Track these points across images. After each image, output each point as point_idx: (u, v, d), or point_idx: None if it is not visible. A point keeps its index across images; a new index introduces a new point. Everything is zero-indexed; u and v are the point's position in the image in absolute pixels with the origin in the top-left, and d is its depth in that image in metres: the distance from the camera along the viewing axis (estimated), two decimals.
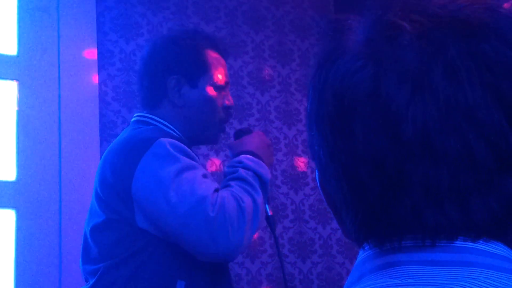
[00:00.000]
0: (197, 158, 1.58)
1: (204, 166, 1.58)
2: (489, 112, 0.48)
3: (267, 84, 2.79)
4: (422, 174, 0.48)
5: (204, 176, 1.52)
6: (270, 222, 1.71)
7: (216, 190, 1.51)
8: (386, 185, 0.50)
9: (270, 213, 1.71)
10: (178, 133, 1.65)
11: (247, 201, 1.52)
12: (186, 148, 1.55)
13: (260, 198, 1.56)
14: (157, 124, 1.65)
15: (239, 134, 1.78)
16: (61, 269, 2.22)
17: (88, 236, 1.59)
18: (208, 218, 1.44)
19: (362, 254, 0.54)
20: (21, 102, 2.35)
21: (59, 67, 2.41)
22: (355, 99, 0.51)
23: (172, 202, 1.46)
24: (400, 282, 0.48)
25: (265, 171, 1.62)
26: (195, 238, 1.46)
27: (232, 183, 1.57)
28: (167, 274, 1.52)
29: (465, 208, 0.48)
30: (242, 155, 1.64)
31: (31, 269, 2.21)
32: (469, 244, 0.49)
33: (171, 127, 1.65)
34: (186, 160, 1.50)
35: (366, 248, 0.53)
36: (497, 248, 0.49)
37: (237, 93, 2.73)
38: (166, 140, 1.51)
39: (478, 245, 0.49)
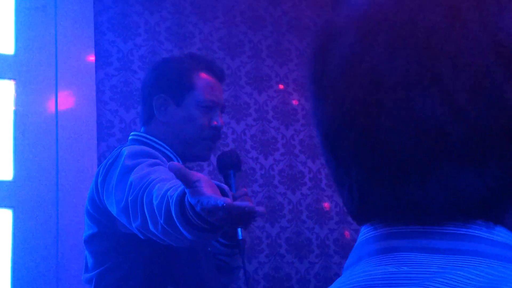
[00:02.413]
0: (156, 154, 1.58)
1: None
2: (417, 87, 0.46)
3: (264, 84, 2.79)
4: (363, 155, 0.48)
5: (152, 165, 1.48)
6: (240, 246, 1.65)
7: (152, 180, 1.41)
8: (340, 164, 0.51)
9: (241, 237, 1.66)
10: (171, 150, 1.71)
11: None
12: (143, 149, 1.59)
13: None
14: (150, 142, 1.71)
15: (223, 160, 1.73)
16: (58, 268, 2.22)
17: (84, 247, 1.69)
18: (127, 201, 1.43)
19: (362, 236, 0.54)
20: (18, 101, 2.35)
21: (56, 66, 2.40)
22: (312, 83, 0.52)
23: (116, 204, 1.48)
24: (396, 270, 0.48)
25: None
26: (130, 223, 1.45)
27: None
28: (157, 280, 1.59)
29: (402, 194, 0.47)
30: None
31: (28, 269, 2.20)
32: (468, 231, 0.47)
33: (162, 144, 1.71)
34: (132, 162, 1.50)
35: (366, 229, 0.53)
36: (499, 234, 0.48)
37: (235, 92, 2.73)
38: (126, 148, 1.59)
39: (477, 232, 0.47)
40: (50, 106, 2.37)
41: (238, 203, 1.27)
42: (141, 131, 1.78)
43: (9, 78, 2.37)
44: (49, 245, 2.24)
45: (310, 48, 0.54)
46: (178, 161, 1.68)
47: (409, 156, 0.46)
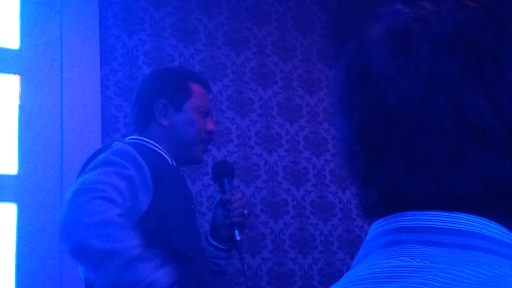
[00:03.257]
0: (142, 163, 1.66)
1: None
2: (466, 86, 0.50)
3: (269, 80, 2.79)
4: (402, 144, 0.52)
5: (116, 174, 1.60)
6: (238, 247, 1.85)
7: (100, 195, 1.54)
8: (372, 154, 0.54)
9: (238, 238, 1.85)
10: (166, 152, 1.82)
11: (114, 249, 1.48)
12: (130, 150, 1.67)
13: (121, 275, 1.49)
14: (147, 144, 1.82)
15: (217, 169, 1.94)
16: (62, 262, 2.22)
17: None
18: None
19: (370, 233, 0.56)
20: (23, 96, 2.35)
21: (61, 61, 2.41)
22: (352, 80, 0.56)
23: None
24: (400, 263, 0.49)
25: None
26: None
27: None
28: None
29: (440, 180, 0.51)
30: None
31: (32, 263, 2.21)
32: (473, 229, 0.50)
33: (159, 146, 1.82)
34: (113, 158, 1.64)
35: (375, 226, 0.56)
36: (501, 234, 0.50)
37: (239, 88, 2.72)
38: (115, 143, 1.72)
39: (481, 230, 0.50)
40: (55, 100, 2.37)
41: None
42: (136, 135, 1.87)
43: (14, 73, 2.37)
44: (53, 239, 2.24)
45: (347, 52, 0.58)
46: (173, 163, 1.82)
47: (450, 147, 0.50)
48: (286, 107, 2.80)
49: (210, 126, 1.88)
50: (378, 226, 0.55)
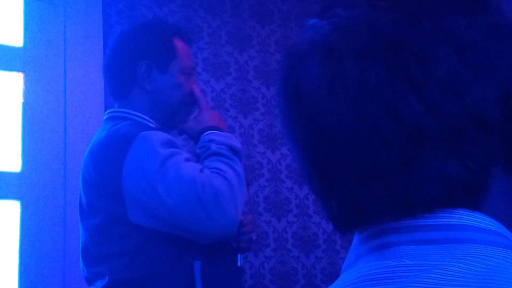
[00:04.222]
0: (177, 143, 1.61)
1: (187, 150, 1.65)
2: (395, 90, 0.49)
3: (272, 78, 2.79)
4: (349, 160, 0.51)
5: (187, 159, 1.54)
6: (240, 272, 1.77)
7: (201, 171, 1.52)
8: (323, 173, 0.53)
9: (239, 264, 1.77)
10: (153, 122, 1.68)
11: (230, 173, 1.54)
12: (166, 136, 1.58)
13: (239, 168, 1.59)
14: (132, 117, 1.66)
15: None
16: (65, 260, 2.22)
17: (87, 237, 1.60)
18: (200, 199, 1.47)
19: (355, 238, 0.56)
20: (27, 93, 2.36)
21: (65, 59, 2.41)
22: (289, 103, 0.56)
23: (161, 194, 1.48)
24: (397, 263, 0.49)
25: (235, 142, 1.66)
26: (192, 222, 1.48)
27: (210, 160, 1.58)
28: (183, 258, 1.55)
29: (393, 189, 0.50)
30: (208, 133, 1.66)
31: (35, 260, 2.21)
32: (459, 221, 0.49)
33: (145, 117, 1.67)
34: (168, 150, 1.53)
35: (358, 233, 0.55)
36: (487, 223, 0.50)
37: (243, 87, 2.73)
38: (146, 134, 1.54)
39: (468, 221, 0.49)
40: (59, 98, 2.37)
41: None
42: (117, 107, 1.72)
43: (18, 71, 2.37)
44: (57, 236, 2.25)
45: (280, 71, 0.58)
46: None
47: (395, 153, 0.49)
48: None
49: (196, 87, 1.75)
50: (361, 232, 0.55)
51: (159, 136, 1.55)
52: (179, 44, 1.73)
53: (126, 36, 1.73)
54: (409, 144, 0.49)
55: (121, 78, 1.70)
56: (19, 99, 2.35)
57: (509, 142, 0.50)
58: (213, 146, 1.60)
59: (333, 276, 2.66)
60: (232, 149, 1.62)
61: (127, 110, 1.68)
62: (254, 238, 1.78)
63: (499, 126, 0.50)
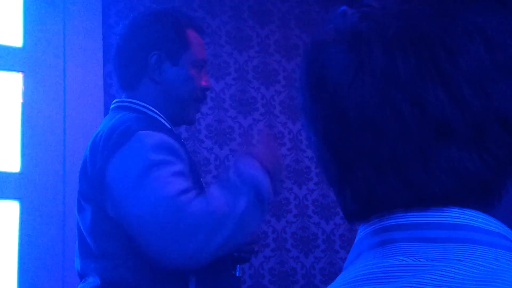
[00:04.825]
0: (177, 147, 1.51)
1: (186, 159, 1.56)
2: (423, 83, 0.49)
3: (272, 78, 2.79)
4: (368, 149, 0.51)
5: (176, 173, 1.44)
6: (238, 283, 1.70)
7: (185, 191, 1.41)
8: (341, 161, 0.53)
9: (238, 274, 1.70)
10: (161, 115, 1.62)
11: (221, 203, 1.40)
12: (164, 139, 1.49)
13: (245, 202, 1.42)
14: (140, 108, 1.61)
15: None
16: (64, 260, 2.23)
17: (84, 231, 1.57)
18: (162, 223, 1.38)
19: (360, 233, 0.56)
20: (26, 94, 2.36)
21: (64, 59, 2.41)
22: (311, 89, 0.56)
23: (132, 200, 1.42)
24: (396, 263, 0.49)
25: (264, 180, 1.47)
26: (147, 241, 1.41)
27: (216, 185, 1.48)
28: (177, 272, 1.49)
29: (409, 181, 0.50)
30: (240, 161, 1.53)
31: (34, 260, 2.21)
32: (465, 221, 0.49)
33: (153, 109, 1.62)
34: (159, 156, 1.45)
35: (363, 227, 0.55)
36: (492, 225, 0.50)
37: (242, 87, 2.73)
38: (144, 134, 1.48)
39: (473, 222, 0.49)
40: (58, 98, 2.37)
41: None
42: (124, 97, 1.67)
43: (18, 71, 2.37)
44: (56, 236, 2.25)
45: (304, 55, 0.58)
46: (168, 126, 1.63)
47: (415, 144, 0.49)
48: (289, 105, 2.80)
49: (207, 81, 1.68)
50: (366, 226, 0.54)
51: (156, 138, 1.48)
52: (192, 34, 1.67)
53: (137, 24, 1.66)
54: (431, 136, 0.49)
55: (130, 68, 1.64)
56: (19, 99, 2.35)
57: None
58: (231, 173, 1.48)
59: (332, 276, 2.66)
60: (254, 183, 1.45)
61: (135, 101, 1.63)
62: (256, 249, 1.74)
63: None
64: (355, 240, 0.56)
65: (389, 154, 0.50)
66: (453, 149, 0.49)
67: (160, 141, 1.48)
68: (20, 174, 2.29)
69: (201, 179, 1.68)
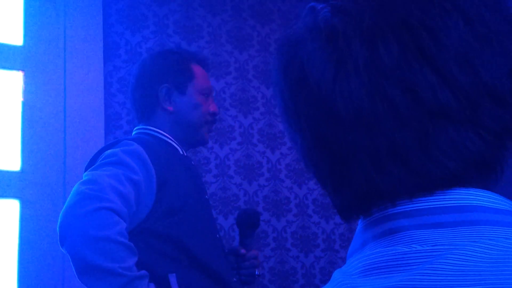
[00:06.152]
0: (149, 163, 1.63)
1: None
2: (410, 68, 0.49)
3: (271, 79, 2.79)
4: (363, 143, 0.50)
5: (116, 189, 1.53)
6: (255, 280, 1.82)
7: (101, 209, 1.49)
8: (334, 159, 0.52)
9: (257, 272, 1.82)
10: (174, 140, 1.80)
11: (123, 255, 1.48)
12: (137, 153, 1.62)
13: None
14: (155, 134, 1.80)
15: (244, 218, 1.85)
16: (64, 259, 2.22)
17: None
18: (69, 205, 1.52)
19: (361, 224, 0.55)
20: (27, 92, 2.35)
21: (64, 58, 2.41)
22: (292, 89, 0.54)
23: (79, 183, 1.57)
24: (407, 249, 0.48)
25: None
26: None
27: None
28: (158, 268, 1.59)
29: (410, 167, 0.49)
30: None
31: (34, 259, 2.21)
32: (470, 202, 0.48)
33: (167, 135, 1.80)
34: (122, 163, 1.59)
35: (363, 218, 0.54)
36: (499, 202, 0.49)
37: (243, 86, 2.72)
38: (127, 142, 1.66)
39: (479, 201, 0.49)
40: (58, 97, 2.37)
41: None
42: (141, 126, 1.84)
43: (18, 69, 2.37)
44: (56, 235, 2.24)
45: (277, 60, 0.57)
46: (183, 153, 1.81)
47: (412, 130, 0.49)
48: None
49: (214, 107, 1.86)
50: (368, 216, 0.53)
51: (131, 149, 1.63)
52: (195, 67, 1.86)
53: (146, 63, 1.86)
54: (426, 120, 0.48)
55: (144, 101, 1.83)
56: (19, 98, 2.35)
57: None
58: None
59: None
60: None
61: (149, 127, 1.82)
62: (257, 273, 1.81)
63: (511, 100, 0.50)
64: (357, 230, 0.55)
65: (386, 145, 0.49)
66: (450, 130, 0.48)
67: (135, 150, 1.63)
68: (20, 173, 2.28)
69: (206, 196, 1.81)
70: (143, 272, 1.50)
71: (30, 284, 2.20)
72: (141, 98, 1.84)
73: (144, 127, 1.83)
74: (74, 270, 1.49)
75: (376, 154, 0.49)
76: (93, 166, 1.63)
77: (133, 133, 1.85)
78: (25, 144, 2.30)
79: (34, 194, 2.26)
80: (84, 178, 1.57)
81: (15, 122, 2.33)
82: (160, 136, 1.79)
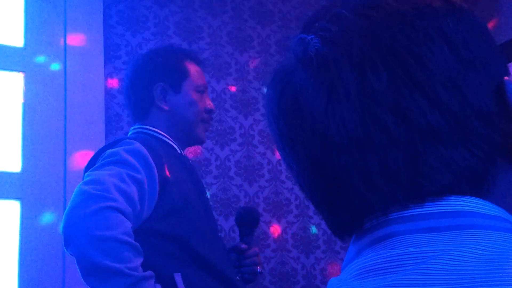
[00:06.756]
0: (150, 161, 1.61)
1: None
2: (399, 92, 0.51)
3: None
4: (355, 164, 0.52)
5: (120, 188, 1.51)
6: (257, 277, 1.82)
7: (107, 208, 1.47)
8: (329, 182, 0.54)
9: (259, 270, 1.81)
10: (170, 139, 1.79)
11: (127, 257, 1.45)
12: (139, 153, 1.60)
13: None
14: (151, 132, 1.78)
15: (244, 217, 1.83)
16: (64, 260, 2.22)
17: None
18: (72, 206, 1.48)
19: (355, 236, 0.56)
20: (27, 93, 2.36)
21: (65, 59, 2.41)
22: (287, 117, 0.56)
23: (83, 182, 1.54)
24: (401, 252, 0.49)
25: None
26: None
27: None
28: (163, 268, 1.58)
29: (401, 186, 0.51)
30: None
31: (34, 260, 2.21)
32: (463, 208, 0.50)
33: (164, 134, 1.79)
34: (123, 162, 1.57)
35: (356, 232, 0.56)
36: (490, 209, 0.50)
37: (243, 87, 2.73)
38: (129, 142, 1.64)
39: (471, 207, 0.50)
40: (59, 98, 2.37)
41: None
42: (138, 125, 1.83)
43: (18, 71, 2.37)
44: (57, 236, 2.25)
45: (271, 91, 0.59)
46: (181, 153, 1.80)
47: (403, 151, 0.51)
48: None
49: (210, 104, 1.85)
50: (361, 229, 0.55)
51: (133, 148, 1.61)
52: (189, 65, 1.84)
53: (140, 62, 1.85)
54: (418, 141, 0.50)
55: (139, 101, 1.82)
56: (20, 99, 2.35)
57: (505, 134, 0.52)
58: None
59: (333, 276, 2.65)
60: None
61: (146, 126, 1.80)
62: (259, 270, 1.80)
63: (497, 118, 0.52)
64: (351, 241, 0.56)
65: (378, 165, 0.51)
66: (441, 149, 0.50)
67: (137, 149, 1.61)
68: (20, 174, 2.28)
69: (205, 195, 1.80)
70: (149, 272, 1.48)
71: (30, 285, 2.20)
72: (136, 97, 1.82)
73: (141, 126, 1.81)
74: (79, 271, 1.46)
75: (368, 174, 0.51)
76: (94, 166, 1.60)
77: (130, 132, 1.84)
78: (26, 145, 2.30)
79: (35, 195, 2.27)
80: (86, 178, 1.55)
81: (15, 123, 2.33)
82: (157, 135, 1.78)
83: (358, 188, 0.52)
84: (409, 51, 0.51)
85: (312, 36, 0.56)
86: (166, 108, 1.79)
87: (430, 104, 0.50)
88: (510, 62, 2.76)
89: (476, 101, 0.51)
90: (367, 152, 0.51)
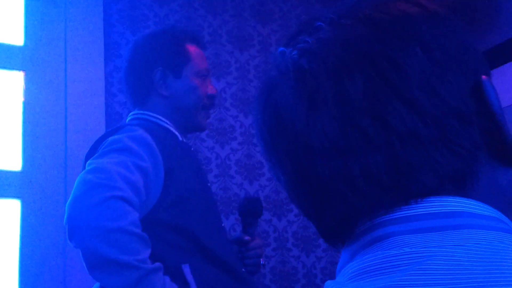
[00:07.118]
0: (154, 146, 1.56)
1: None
2: (376, 97, 0.51)
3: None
4: (338, 170, 0.52)
5: (123, 175, 1.46)
6: (260, 269, 1.79)
7: (113, 198, 1.42)
8: (315, 190, 0.55)
9: (262, 262, 1.78)
10: (171, 125, 1.72)
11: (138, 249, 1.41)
12: (142, 139, 1.56)
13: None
14: (153, 119, 1.72)
15: (248, 207, 1.78)
16: (65, 258, 2.22)
17: None
18: (76, 195, 1.44)
19: (348, 240, 0.56)
20: (28, 92, 2.36)
21: (65, 57, 2.41)
22: (270, 129, 0.58)
23: (87, 166, 1.49)
24: (397, 252, 0.49)
25: None
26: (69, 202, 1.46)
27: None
28: (170, 260, 1.53)
29: (384, 186, 0.51)
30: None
31: (35, 259, 2.21)
32: (456, 208, 0.50)
33: (163, 119, 1.72)
34: (126, 150, 1.52)
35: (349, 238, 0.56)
36: (483, 209, 0.51)
37: (243, 86, 2.72)
38: (131, 128, 1.59)
39: (464, 207, 0.50)
40: (59, 97, 2.37)
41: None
42: (137, 110, 1.76)
43: (19, 69, 2.37)
44: (57, 235, 2.25)
45: (256, 104, 0.60)
46: (182, 140, 1.73)
47: (385, 156, 0.51)
48: None
49: (212, 89, 1.77)
50: (353, 234, 0.55)
51: (137, 135, 1.56)
52: (191, 48, 1.77)
53: (139, 45, 1.77)
54: (398, 144, 0.51)
55: (138, 86, 1.75)
56: (20, 98, 2.35)
57: (486, 132, 0.53)
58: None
59: (334, 275, 2.65)
60: None
61: (146, 112, 1.73)
62: (262, 262, 1.76)
63: (477, 117, 0.52)
64: (345, 246, 0.56)
65: (360, 169, 0.52)
66: (422, 150, 0.51)
67: (141, 136, 1.56)
68: (21, 172, 2.28)
69: (208, 184, 1.76)
70: (157, 264, 1.42)
71: (31, 284, 2.20)
72: (135, 83, 1.75)
73: (141, 112, 1.75)
74: (85, 265, 1.39)
75: (352, 180, 0.52)
76: (96, 154, 1.53)
77: (129, 118, 1.77)
78: (26, 144, 2.30)
79: (35, 194, 2.27)
80: (88, 167, 1.48)
81: (16, 122, 2.33)
82: (158, 121, 1.71)
83: (344, 194, 0.53)
84: (384, 56, 0.52)
85: (290, 49, 0.57)
86: (166, 93, 1.72)
87: (407, 107, 0.51)
88: (510, 61, 2.74)
89: (454, 102, 0.52)
90: (349, 158, 0.52)
